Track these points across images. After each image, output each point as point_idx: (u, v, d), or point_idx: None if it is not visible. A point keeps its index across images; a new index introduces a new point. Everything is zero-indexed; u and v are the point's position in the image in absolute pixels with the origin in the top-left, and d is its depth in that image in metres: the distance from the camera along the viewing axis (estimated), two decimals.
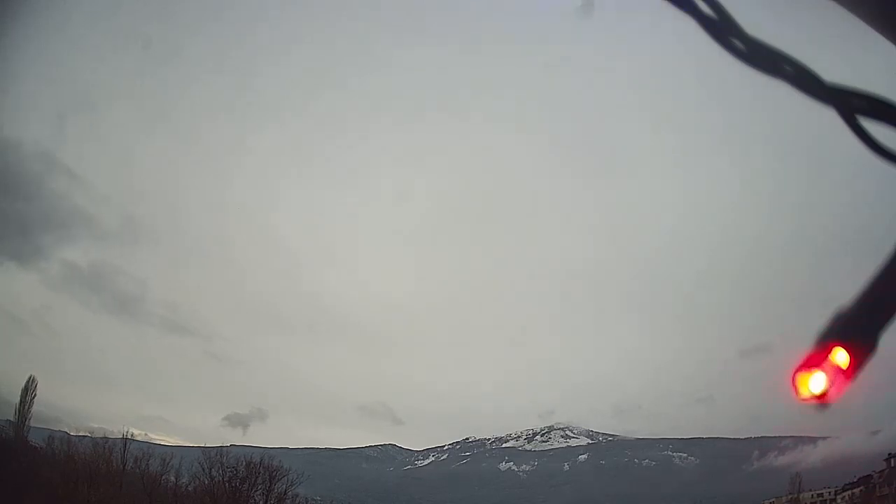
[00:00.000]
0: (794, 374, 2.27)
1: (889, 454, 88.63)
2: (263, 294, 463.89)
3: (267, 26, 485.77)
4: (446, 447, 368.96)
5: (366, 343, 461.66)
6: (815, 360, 2.25)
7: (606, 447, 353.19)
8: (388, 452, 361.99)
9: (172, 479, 65.41)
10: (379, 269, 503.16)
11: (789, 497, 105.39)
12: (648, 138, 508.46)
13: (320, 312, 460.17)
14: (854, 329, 2.27)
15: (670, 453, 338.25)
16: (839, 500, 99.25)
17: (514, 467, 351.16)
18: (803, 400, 2.26)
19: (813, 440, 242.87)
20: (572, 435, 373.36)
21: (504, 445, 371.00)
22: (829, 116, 2.29)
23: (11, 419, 68.63)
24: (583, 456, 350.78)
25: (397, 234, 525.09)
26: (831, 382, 2.23)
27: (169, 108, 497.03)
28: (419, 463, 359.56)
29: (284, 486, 66.12)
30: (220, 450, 64.84)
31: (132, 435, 68.54)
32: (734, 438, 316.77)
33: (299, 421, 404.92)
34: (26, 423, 69.49)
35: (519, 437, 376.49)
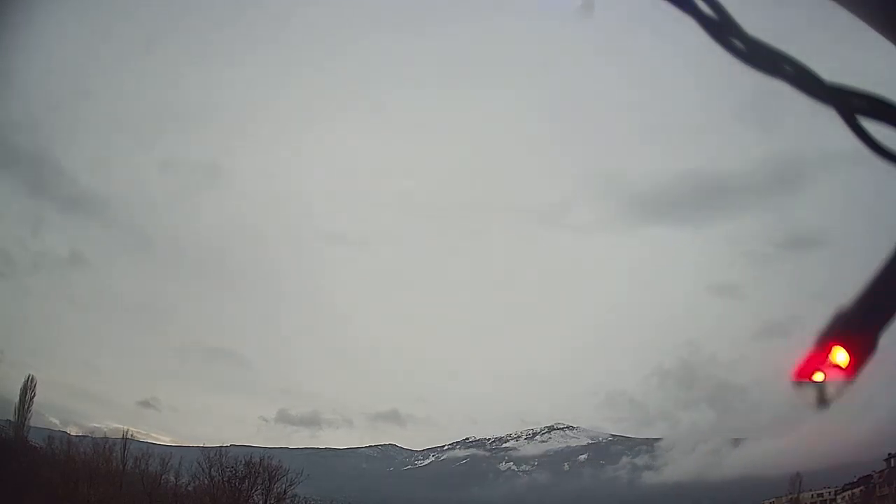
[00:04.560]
0: (794, 374, 2.27)
1: (889, 454, 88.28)
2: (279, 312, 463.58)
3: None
4: (446, 447, 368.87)
5: (368, 342, 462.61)
6: (815, 360, 2.26)
7: (606, 447, 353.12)
8: (388, 452, 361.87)
9: (172, 479, 65.40)
10: (379, 271, 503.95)
11: (789, 497, 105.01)
12: (647, 137, 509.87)
13: (323, 313, 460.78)
14: (854, 329, 2.27)
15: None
16: (839, 500, 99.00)
17: (514, 467, 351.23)
18: (803, 400, 2.27)
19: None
20: (572, 435, 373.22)
21: (504, 445, 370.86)
22: (829, 115, 2.29)
23: (11, 419, 68.55)
24: (583, 456, 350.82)
25: (400, 239, 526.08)
26: (831, 382, 2.24)
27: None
28: (419, 463, 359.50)
29: (284, 486, 66.15)
30: (219, 450, 64.91)
31: (132, 435, 68.62)
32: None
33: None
34: (26, 423, 69.39)
35: (519, 437, 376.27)
